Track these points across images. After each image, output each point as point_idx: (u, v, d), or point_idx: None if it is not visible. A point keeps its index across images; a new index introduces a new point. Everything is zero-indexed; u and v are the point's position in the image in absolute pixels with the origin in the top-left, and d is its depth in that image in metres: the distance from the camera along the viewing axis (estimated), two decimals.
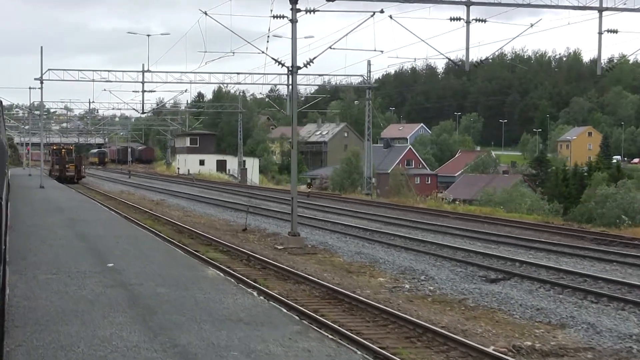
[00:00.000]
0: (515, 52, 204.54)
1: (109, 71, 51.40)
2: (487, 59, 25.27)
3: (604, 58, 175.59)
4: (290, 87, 24.58)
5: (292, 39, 23.78)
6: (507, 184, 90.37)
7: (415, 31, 24.32)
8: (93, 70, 51.66)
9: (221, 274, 15.81)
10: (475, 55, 25.79)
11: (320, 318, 13.20)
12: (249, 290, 14.02)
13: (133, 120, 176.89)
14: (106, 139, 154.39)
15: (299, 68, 24.07)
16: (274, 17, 23.37)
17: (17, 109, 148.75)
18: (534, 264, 19.84)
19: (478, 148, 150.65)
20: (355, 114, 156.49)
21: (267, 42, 25.32)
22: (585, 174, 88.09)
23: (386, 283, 17.80)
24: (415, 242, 24.68)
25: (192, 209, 40.36)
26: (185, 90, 61.95)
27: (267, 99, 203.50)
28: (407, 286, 17.11)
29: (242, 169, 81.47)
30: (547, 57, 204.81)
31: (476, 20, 24.53)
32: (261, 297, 13.43)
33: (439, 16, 26.06)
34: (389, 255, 21.89)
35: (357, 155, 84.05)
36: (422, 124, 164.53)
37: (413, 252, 22.31)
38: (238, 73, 52.72)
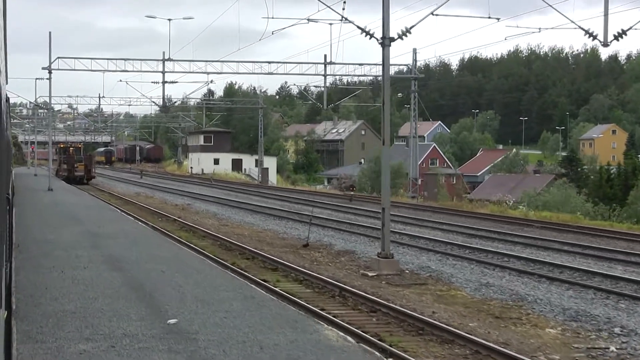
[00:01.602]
0: (531, 48, 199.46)
1: (125, 60, 45.69)
2: (630, 28, 19.63)
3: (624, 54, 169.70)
4: (382, 63, 18.87)
5: (383, 1, 18.12)
6: (540, 184, 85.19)
7: None
8: (108, 59, 46.03)
9: (350, 340, 10.17)
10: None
11: None
12: None
13: (138, 118, 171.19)
14: (112, 137, 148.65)
15: (392, 39, 18.44)
16: None
17: (20, 107, 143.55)
18: None
19: (500, 146, 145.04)
20: (371, 111, 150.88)
21: (343, 8, 19.64)
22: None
23: (565, 338, 12.17)
24: (547, 266, 18.97)
25: (226, 215, 34.71)
26: (212, 81, 55.87)
27: (276, 96, 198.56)
28: (612, 348, 11.45)
29: (264, 169, 75.80)
30: (564, 54, 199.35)
31: None
32: None
33: None
34: (531, 287, 16.21)
35: None
36: (439, 122, 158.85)
37: (563, 284, 16.58)
38: (269, 62, 47.08)
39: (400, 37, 18.55)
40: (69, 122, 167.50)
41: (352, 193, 45.59)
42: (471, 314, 13.84)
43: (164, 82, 46.00)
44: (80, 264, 15.89)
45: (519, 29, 33.90)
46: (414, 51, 48.15)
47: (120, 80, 67.48)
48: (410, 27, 18.49)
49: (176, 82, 46.04)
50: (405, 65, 60.30)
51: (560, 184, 73.48)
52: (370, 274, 18.01)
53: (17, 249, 18.47)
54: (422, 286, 16.80)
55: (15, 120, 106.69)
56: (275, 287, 16.26)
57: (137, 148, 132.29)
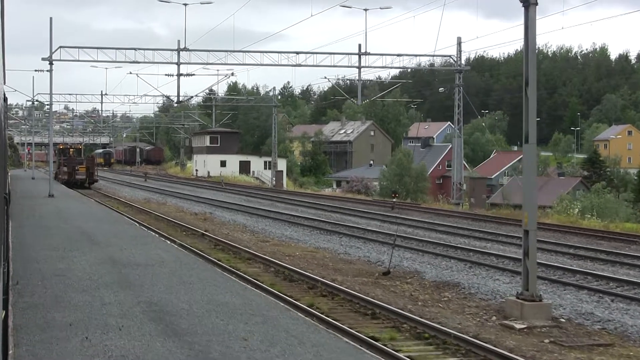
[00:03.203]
0: (539, 47, 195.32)
1: (135, 49, 40.41)
2: None
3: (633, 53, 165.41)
4: (526, 29, 13.70)
5: None
6: (566, 187, 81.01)
7: None
8: (115, 49, 40.72)
9: None
10: None
11: None
12: None
13: (135, 119, 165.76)
14: (111, 139, 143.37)
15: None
16: None
17: (16, 109, 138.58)
18: None
19: (515, 148, 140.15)
20: (379, 111, 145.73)
21: None
22: None
23: None
24: None
25: (260, 228, 29.45)
26: (232, 73, 50.82)
27: (279, 96, 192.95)
28: None
29: (278, 172, 70.64)
30: (572, 53, 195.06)
31: None
32: None
33: None
34: None
35: (409, 155, 73.43)
36: (449, 123, 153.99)
37: None
38: (297, 52, 41.90)
39: None
40: (64, 124, 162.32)
41: (394, 200, 40.47)
42: None
43: (179, 75, 40.78)
44: (110, 319, 10.60)
45: None
46: (459, 41, 43.09)
47: (130, 73, 62.09)
48: None
49: (193, 74, 40.80)
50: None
51: (599, 189, 68.83)
52: (516, 325, 12.72)
53: (15, 288, 13.23)
54: (608, 348, 11.56)
55: (11, 121, 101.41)
56: (396, 350, 11.07)
57: (137, 149, 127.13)
